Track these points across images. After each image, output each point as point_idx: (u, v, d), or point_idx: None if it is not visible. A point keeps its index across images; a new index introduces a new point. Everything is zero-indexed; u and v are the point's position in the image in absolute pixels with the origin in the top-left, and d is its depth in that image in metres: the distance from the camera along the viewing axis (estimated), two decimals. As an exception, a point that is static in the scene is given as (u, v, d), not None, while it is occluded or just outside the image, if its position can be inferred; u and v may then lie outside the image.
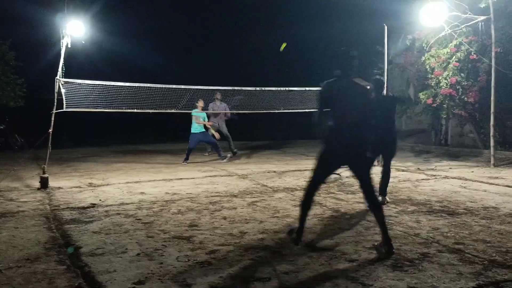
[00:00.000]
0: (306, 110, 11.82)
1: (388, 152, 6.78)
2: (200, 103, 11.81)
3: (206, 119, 12.26)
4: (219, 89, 12.42)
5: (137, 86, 10.22)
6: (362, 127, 4.45)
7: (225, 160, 12.21)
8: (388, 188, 6.94)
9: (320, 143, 4.57)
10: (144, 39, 23.56)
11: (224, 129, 13.26)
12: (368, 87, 4.57)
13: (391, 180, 8.65)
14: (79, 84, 9.05)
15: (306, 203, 4.55)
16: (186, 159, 11.98)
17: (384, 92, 8.50)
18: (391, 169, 6.84)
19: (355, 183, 8.15)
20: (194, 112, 11.85)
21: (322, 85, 4.63)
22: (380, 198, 6.59)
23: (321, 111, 4.59)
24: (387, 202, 6.60)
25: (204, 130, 12.21)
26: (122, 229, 5.25)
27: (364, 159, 4.47)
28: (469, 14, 11.22)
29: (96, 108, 9.54)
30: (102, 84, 9.53)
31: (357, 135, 4.41)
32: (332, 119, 4.48)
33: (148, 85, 10.39)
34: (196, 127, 12.03)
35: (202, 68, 24.32)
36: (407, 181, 8.67)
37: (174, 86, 10.75)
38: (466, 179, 8.80)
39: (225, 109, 13.14)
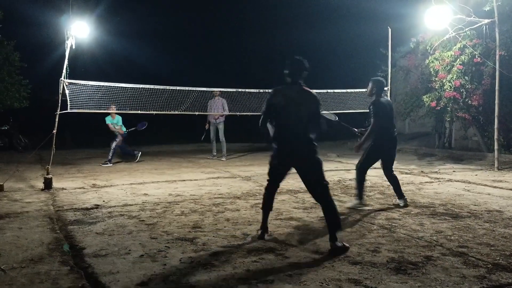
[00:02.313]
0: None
1: (388, 157, 6.76)
2: (112, 109, 11.41)
3: (120, 124, 12.44)
4: (221, 90, 12.42)
5: (141, 88, 10.24)
6: (307, 131, 4.66)
7: (107, 165, 11.90)
8: (390, 191, 6.94)
9: (272, 147, 4.85)
10: (148, 40, 23.61)
11: (221, 131, 13.20)
12: (317, 97, 4.79)
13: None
14: (83, 85, 9.07)
15: (267, 207, 4.96)
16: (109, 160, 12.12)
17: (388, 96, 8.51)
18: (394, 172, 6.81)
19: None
20: (108, 121, 12.25)
21: (271, 91, 4.85)
22: (401, 203, 6.59)
23: (266, 116, 4.82)
24: (406, 204, 6.55)
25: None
26: (126, 230, 5.26)
27: (311, 162, 4.66)
28: (474, 17, 11.21)
29: (100, 109, 9.57)
30: (106, 85, 9.55)
31: (302, 139, 4.65)
32: (278, 125, 4.76)
33: (152, 86, 10.41)
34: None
35: (206, 69, 24.38)
36: (411, 184, 8.66)
37: (178, 88, 10.76)
38: (469, 182, 8.79)
39: (222, 105, 12.80)
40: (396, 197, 6.69)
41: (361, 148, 6.62)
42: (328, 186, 4.69)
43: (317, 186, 4.67)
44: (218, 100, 12.80)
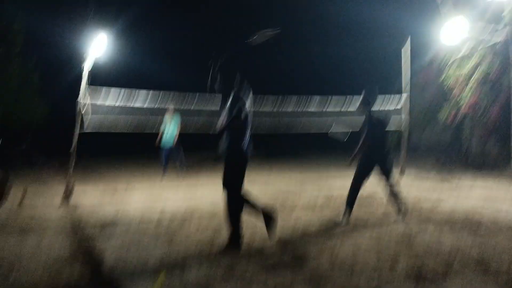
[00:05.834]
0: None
1: (382, 170, 6.65)
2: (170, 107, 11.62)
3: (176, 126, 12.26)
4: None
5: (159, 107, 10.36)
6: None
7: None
8: (409, 205, 6.88)
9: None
10: (167, 57, 23.82)
11: None
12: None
13: (412, 196, 8.55)
14: (100, 104, 9.11)
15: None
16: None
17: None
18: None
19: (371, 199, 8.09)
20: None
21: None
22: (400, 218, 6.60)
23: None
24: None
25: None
26: (143, 246, 5.27)
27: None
28: (489, 34, 11.18)
29: (117, 129, 9.58)
30: (123, 106, 9.58)
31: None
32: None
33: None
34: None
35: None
36: (428, 199, 8.55)
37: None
38: (489, 196, 8.66)
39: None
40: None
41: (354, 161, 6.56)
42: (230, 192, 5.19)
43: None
44: None
